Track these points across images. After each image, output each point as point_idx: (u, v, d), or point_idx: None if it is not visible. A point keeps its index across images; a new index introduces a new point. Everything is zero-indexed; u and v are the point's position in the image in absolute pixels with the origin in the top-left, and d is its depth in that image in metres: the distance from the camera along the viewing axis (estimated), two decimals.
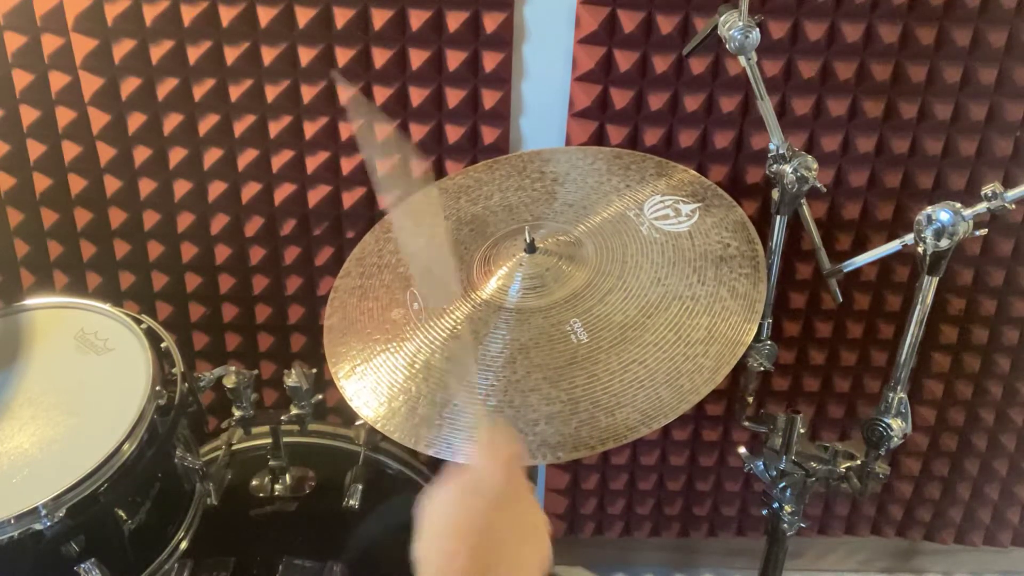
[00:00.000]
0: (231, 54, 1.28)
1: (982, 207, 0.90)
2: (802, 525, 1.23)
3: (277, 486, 1.25)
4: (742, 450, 1.26)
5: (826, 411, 1.58)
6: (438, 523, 0.67)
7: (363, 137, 0.77)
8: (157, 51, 1.28)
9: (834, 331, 1.50)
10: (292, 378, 1.21)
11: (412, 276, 0.83)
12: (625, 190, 1.14)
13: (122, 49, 1.28)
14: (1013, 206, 0.90)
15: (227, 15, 1.25)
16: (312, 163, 1.37)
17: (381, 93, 1.31)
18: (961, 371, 1.53)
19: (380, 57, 1.28)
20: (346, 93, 0.91)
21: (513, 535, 0.67)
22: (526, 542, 0.68)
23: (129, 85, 1.31)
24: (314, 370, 1.24)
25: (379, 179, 0.78)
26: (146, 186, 1.39)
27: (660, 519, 1.73)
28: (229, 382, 1.20)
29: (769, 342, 1.15)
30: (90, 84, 1.30)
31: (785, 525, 1.22)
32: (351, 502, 1.21)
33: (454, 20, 1.25)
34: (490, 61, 1.28)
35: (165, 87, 1.31)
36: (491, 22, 1.25)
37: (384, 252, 1.16)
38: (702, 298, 0.98)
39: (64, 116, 1.33)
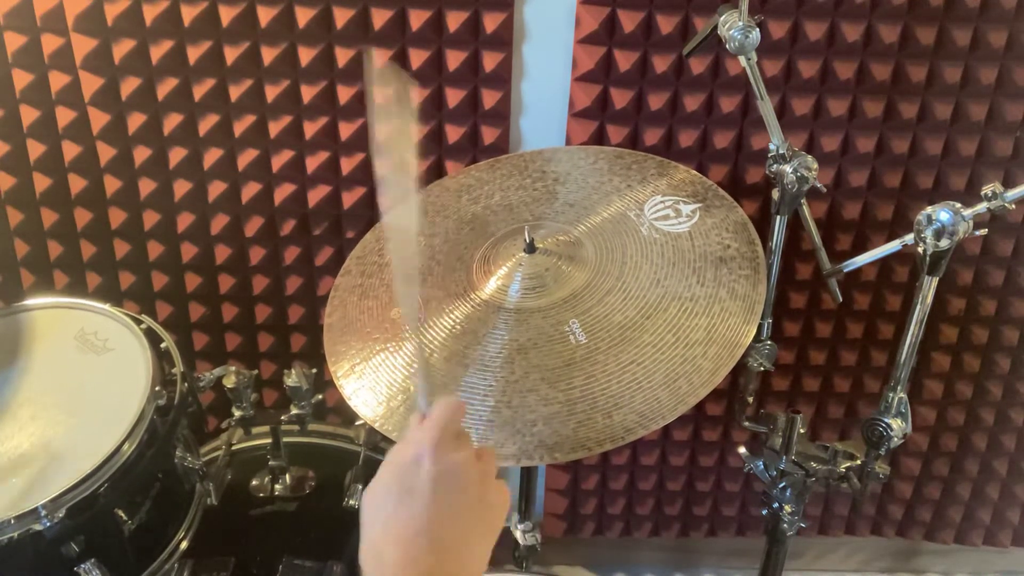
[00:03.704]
0: (231, 54, 1.28)
1: (982, 207, 0.90)
2: (802, 525, 1.23)
3: (277, 486, 1.25)
4: (742, 450, 1.26)
5: (826, 411, 1.58)
6: (377, 530, 0.65)
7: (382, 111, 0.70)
8: (157, 51, 1.28)
9: (834, 331, 1.50)
10: (292, 378, 1.21)
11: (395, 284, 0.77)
12: (626, 190, 1.14)
13: (122, 49, 1.28)
14: (1013, 206, 0.89)
15: (227, 15, 1.25)
16: (312, 163, 1.37)
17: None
18: (961, 371, 1.53)
19: (380, 57, 1.28)
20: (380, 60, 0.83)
21: (456, 521, 0.64)
22: (472, 522, 0.66)
23: (129, 85, 1.31)
24: (314, 370, 1.24)
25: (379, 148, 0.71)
26: (146, 186, 1.39)
27: (660, 519, 1.73)
28: (229, 382, 1.20)
29: (769, 342, 1.15)
30: (90, 84, 1.30)
31: (785, 525, 1.22)
32: (351, 502, 1.22)
33: (454, 20, 1.25)
34: (490, 61, 1.28)
35: (165, 87, 1.31)
36: (491, 22, 1.25)
37: (385, 251, 1.16)
38: (701, 299, 0.98)
39: (64, 116, 1.33)
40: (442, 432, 0.67)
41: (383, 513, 0.65)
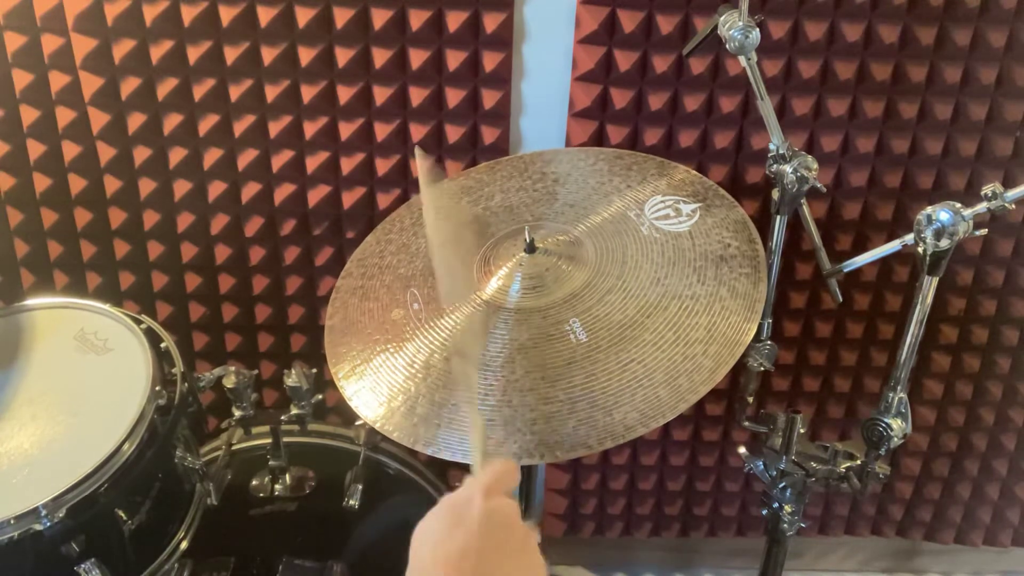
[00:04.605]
0: (231, 54, 1.28)
1: (982, 207, 0.90)
2: (802, 525, 1.23)
3: (277, 486, 1.25)
4: (742, 450, 1.26)
5: (826, 411, 1.58)
6: (425, 555, 0.68)
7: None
8: (157, 51, 1.28)
9: (834, 331, 1.50)
10: (292, 378, 1.21)
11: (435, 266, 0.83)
12: (626, 190, 1.14)
13: (122, 49, 1.28)
14: (1013, 206, 0.90)
15: (227, 15, 1.25)
16: (312, 163, 1.37)
17: (381, 93, 1.31)
18: (961, 371, 1.53)
19: (380, 57, 1.28)
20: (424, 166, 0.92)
21: (501, 557, 0.68)
22: (514, 562, 0.69)
23: (129, 85, 1.31)
24: (314, 370, 1.24)
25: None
26: (146, 186, 1.39)
27: (660, 519, 1.73)
28: (229, 382, 1.20)
29: (769, 342, 1.15)
30: (90, 84, 1.30)
31: (785, 525, 1.22)
32: (351, 502, 1.21)
33: (454, 20, 1.25)
34: (490, 61, 1.28)
35: (165, 87, 1.31)
36: (491, 22, 1.25)
37: (385, 253, 1.16)
38: (702, 298, 0.98)
39: (64, 116, 1.33)
40: (495, 483, 0.72)
41: (432, 539, 0.69)
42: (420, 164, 0.84)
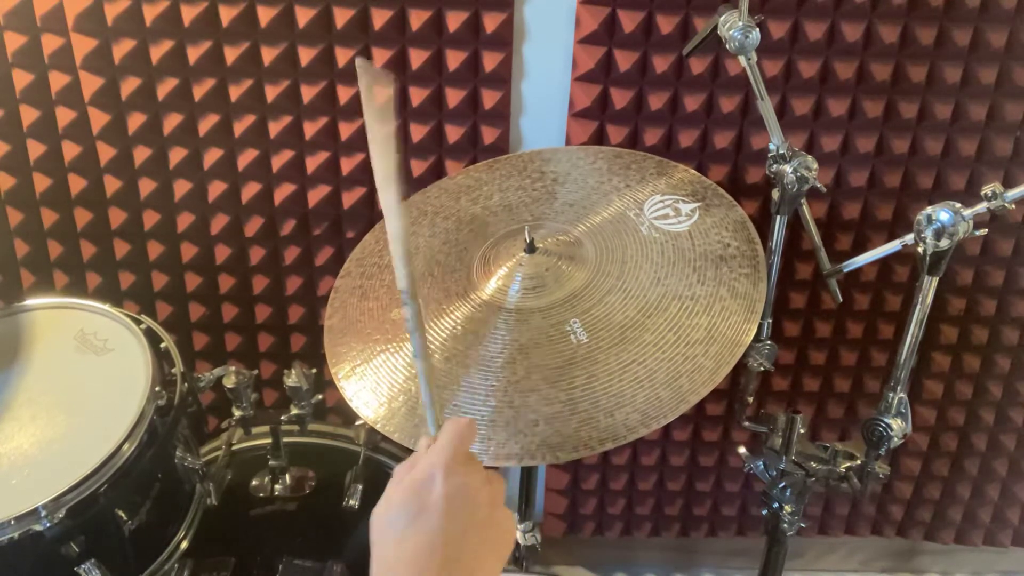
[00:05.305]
0: (231, 54, 1.28)
1: (982, 207, 0.90)
2: (802, 525, 1.23)
3: (277, 486, 1.25)
4: (742, 450, 1.26)
5: (826, 411, 1.58)
6: (389, 549, 0.64)
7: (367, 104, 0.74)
8: (157, 51, 1.28)
9: (834, 331, 1.50)
10: (292, 378, 1.21)
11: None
12: (625, 190, 1.14)
13: (122, 49, 1.28)
14: (1013, 206, 0.90)
15: (227, 15, 1.25)
16: (312, 163, 1.37)
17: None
18: (961, 371, 1.53)
19: (380, 57, 1.28)
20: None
21: (468, 541, 0.65)
22: (483, 543, 0.66)
23: (129, 85, 1.31)
24: (314, 370, 1.24)
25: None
26: (146, 186, 1.39)
27: (660, 519, 1.73)
28: (229, 382, 1.20)
29: (769, 342, 1.15)
30: (90, 84, 1.30)
31: (785, 525, 1.22)
32: (351, 502, 1.21)
33: (454, 20, 1.25)
34: (490, 61, 1.28)
35: (165, 87, 1.31)
36: (491, 22, 1.25)
37: (384, 252, 1.16)
38: (702, 298, 0.98)
39: (64, 116, 1.33)
40: (453, 453, 0.68)
41: (395, 532, 0.65)
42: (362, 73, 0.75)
